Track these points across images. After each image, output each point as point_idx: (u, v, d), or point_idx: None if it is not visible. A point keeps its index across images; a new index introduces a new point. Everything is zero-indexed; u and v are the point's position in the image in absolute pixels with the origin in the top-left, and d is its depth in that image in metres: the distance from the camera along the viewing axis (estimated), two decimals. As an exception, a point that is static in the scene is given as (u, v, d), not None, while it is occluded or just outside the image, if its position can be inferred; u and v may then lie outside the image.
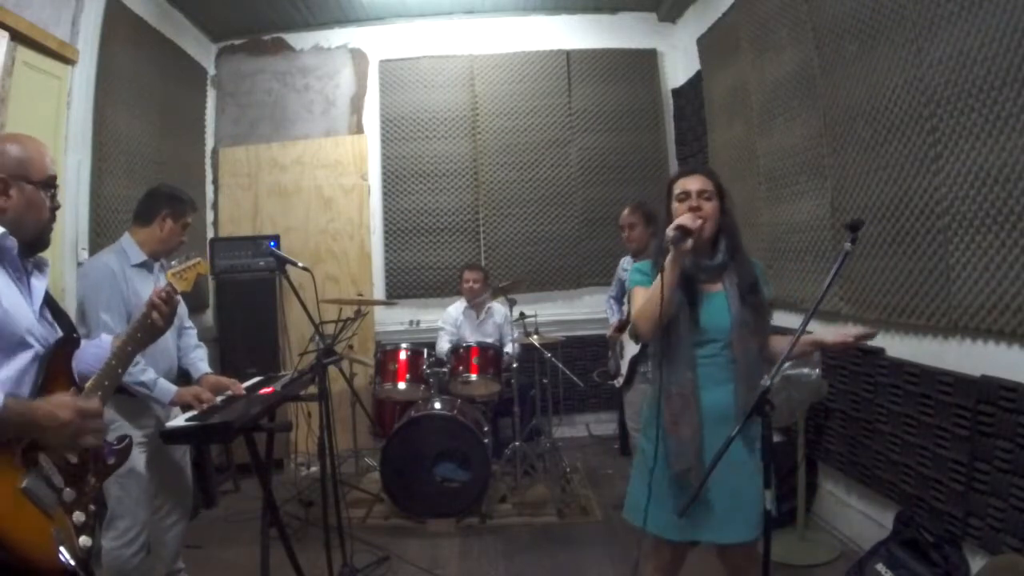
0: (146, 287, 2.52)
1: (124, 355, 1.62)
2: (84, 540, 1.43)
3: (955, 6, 2.32)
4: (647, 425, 2.06)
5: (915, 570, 2.39)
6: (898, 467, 2.74)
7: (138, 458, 2.40)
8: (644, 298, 1.94)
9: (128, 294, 2.43)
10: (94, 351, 1.74)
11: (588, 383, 4.71)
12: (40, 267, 1.61)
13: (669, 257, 1.84)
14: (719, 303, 1.94)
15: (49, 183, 1.57)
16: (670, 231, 1.84)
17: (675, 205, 1.99)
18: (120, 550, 2.37)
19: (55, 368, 1.49)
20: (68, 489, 1.43)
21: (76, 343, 1.60)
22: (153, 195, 2.61)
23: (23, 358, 1.44)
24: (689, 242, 1.84)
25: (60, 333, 1.57)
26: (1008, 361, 2.24)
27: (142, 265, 2.52)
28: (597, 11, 5.42)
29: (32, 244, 1.56)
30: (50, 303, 1.60)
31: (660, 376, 1.96)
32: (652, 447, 1.98)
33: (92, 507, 1.49)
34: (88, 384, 1.54)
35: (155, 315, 1.67)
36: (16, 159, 1.53)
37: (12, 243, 1.48)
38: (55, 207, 1.61)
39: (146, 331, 1.67)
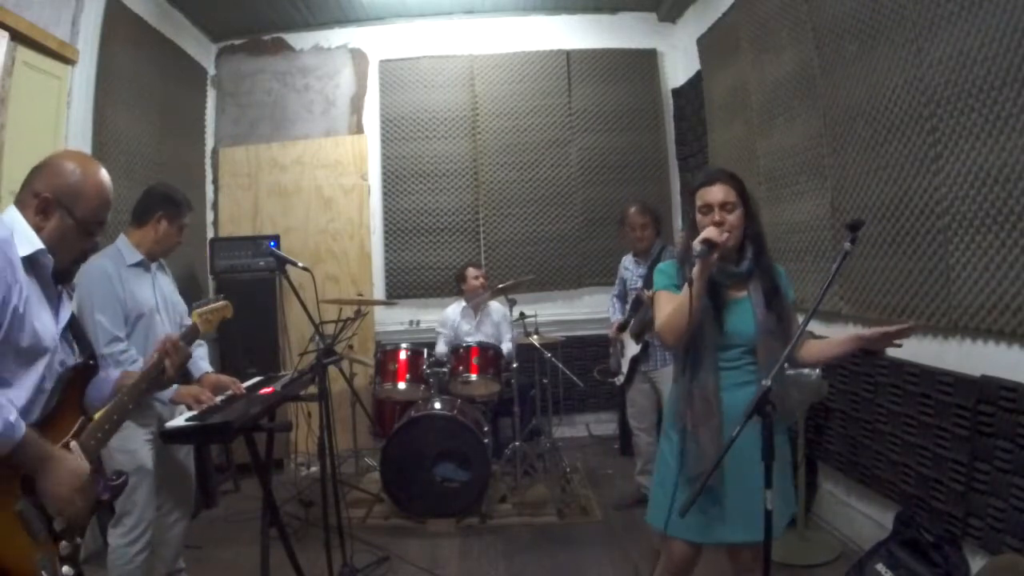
0: (143, 287, 2.52)
1: (130, 400, 1.57)
2: (67, 570, 1.41)
3: (955, 6, 2.32)
4: (668, 427, 2.06)
5: (915, 570, 2.39)
6: (898, 467, 2.74)
7: (146, 456, 2.41)
8: (669, 307, 1.93)
9: (124, 295, 2.42)
10: (99, 384, 1.71)
11: (588, 383, 4.71)
12: (71, 292, 1.60)
13: (696, 270, 1.82)
14: (744, 309, 1.94)
15: (90, 229, 1.50)
16: (697, 244, 1.83)
17: (698, 217, 1.98)
18: (126, 548, 2.37)
19: (69, 394, 1.48)
20: (59, 518, 1.41)
21: (94, 370, 1.58)
22: (149, 195, 2.60)
23: (38, 374, 1.43)
24: (716, 255, 1.84)
25: (77, 359, 1.54)
26: (1008, 361, 2.24)
27: (138, 264, 2.51)
28: (597, 11, 5.42)
29: (57, 273, 1.51)
30: (73, 327, 1.59)
31: (684, 380, 1.97)
32: (671, 449, 1.98)
33: (78, 539, 1.47)
34: (95, 418, 1.52)
35: (168, 362, 1.61)
36: (69, 185, 1.46)
37: (48, 261, 1.45)
38: (89, 249, 1.55)
39: (153, 383, 1.61)
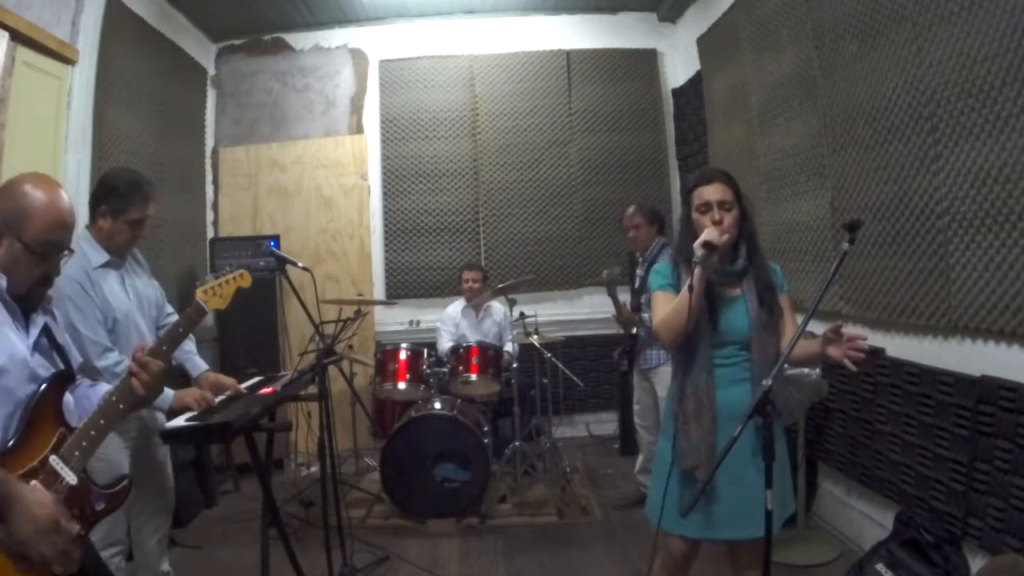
0: (113, 288, 2.37)
1: (114, 412, 1.50)
2: None
3: (955, 6, 2.32)
4: (666, 423, 2.08)
5: (915, 570, 2.39)
6: (898, 467, 2.74)
7: (124, 463, 2.32)
8: (666, 307, 1.94)
9: (99, 301, 2.28)
10: (85, 399, 1.64)
11: (588, 383, 4.71)
12: (44, 307, 1.55)
13: (697, 273, 1.82)
14: (738, 307, 1.95)
15: (42, 250, 1.43)
16: (698, 249, 1.83)
17: (696, 216, 1.98)
18: (102, 551, 2.32)
19: (44, 405, 1.43)
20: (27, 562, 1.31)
21: (70, 380, 1.53)
22: (98, 185, 2.37)
23: (9, 393, 1.39)
24: (715, 256, 1.85)
25: (54, 368, 1.50)
26: (1008, 361, 2.24)
27: (106, 265, 2.35)
28: (597, 11, 5.42)
29: (18, 300, 1.45)
30: (49, 336, 1.54)
31: (679, 378, 1.98)
32: (669, 445, 1.99)
33: (76, 554, 1.39)
34: (77, 429, 1.46)
35: (134, 382, 1.49)
36: (16, 209, 1.41)
37: (3, 283, 1.41)
38: (48, 273, 1.47)
39: (126, 398, 1.51)
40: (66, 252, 1.51)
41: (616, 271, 3.63)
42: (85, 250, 2.31)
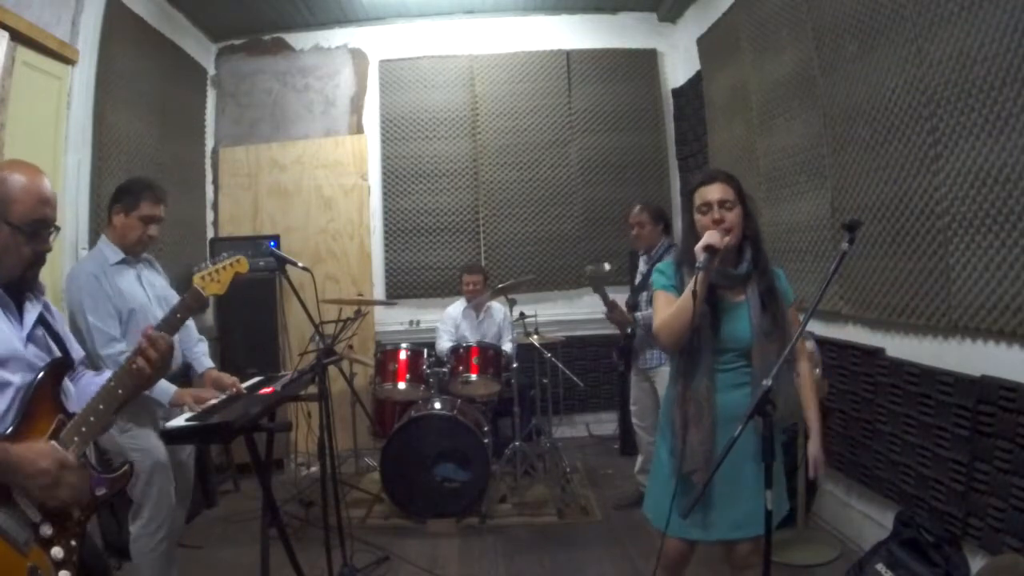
0: (128, 282, 2.51)
1: (112, 397, 1.53)
2: (64, 574, 1.38)
3: (955, 6, 2.32)
4: (664, 426, 2.07)
5: (915, 570, 2.39)
6: (898, 467, 2.74)
7: (160, 450, 2.43)
8: (668, 309, 1.92)
9: (112, 294, 2.42)
10: (86, 386, 1.67)
11: (588, 383, 4.71)
12: (37, 295, 1.58)
13: (699, 277, 1.80)
14: (741, 315, 1.93)
15: (31, 229, 1.47)
16: (699, 253, 1.82)
17: (697, 217, 1.97)
18: (147, 537, 2.41)
19: (41, 392, 1.45)
20: (46, 524, 1.38)
21: (67, 366, 1.56)
22: (114, 191, 2.57)
23: (5, 380, 1.41)
24: (717, 260, 1.84)
25: (52, 355, 1.53)
26: (1008, 361, 2.24)
27: (121, 263, 2.50)
28: (597, 11, 5.42)
29: (9, 286, 1.49)
30: (45, 325, 1.56)
31: (679, 381, 1.97)
32: (667, 447, 1.99)
33: (73, 542, 1.44)
34: (76, 416, 1.48)
35: (140, 361, 1.54)
36: (1, 195, 1.45)
37: None
38: (40, 250, 1.51)
39: (131, 377, 1.54)
40: (53, 229, 1.55)
41: (603, 268, 3.60)
42: (103, 249, 2.50)
